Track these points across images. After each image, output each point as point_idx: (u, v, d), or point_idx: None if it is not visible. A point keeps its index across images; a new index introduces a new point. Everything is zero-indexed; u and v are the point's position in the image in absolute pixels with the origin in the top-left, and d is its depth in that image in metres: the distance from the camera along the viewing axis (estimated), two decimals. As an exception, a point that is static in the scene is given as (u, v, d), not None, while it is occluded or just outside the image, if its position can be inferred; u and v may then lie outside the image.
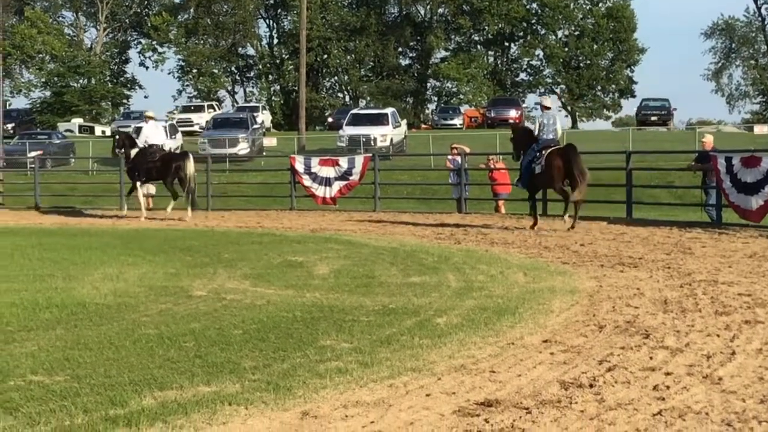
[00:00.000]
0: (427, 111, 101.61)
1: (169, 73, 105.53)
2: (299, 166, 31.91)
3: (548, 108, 23.97)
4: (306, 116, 61.13)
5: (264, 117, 74.57)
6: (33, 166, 40.36)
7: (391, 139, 51.66)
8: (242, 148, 52.61)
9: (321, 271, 15.57)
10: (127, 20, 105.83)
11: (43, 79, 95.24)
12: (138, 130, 32.07)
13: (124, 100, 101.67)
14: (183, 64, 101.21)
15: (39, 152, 46.84)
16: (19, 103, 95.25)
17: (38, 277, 14.85)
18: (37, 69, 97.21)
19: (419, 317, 11.07)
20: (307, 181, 31.60)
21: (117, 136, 32.20)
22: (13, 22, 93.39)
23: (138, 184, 29.73)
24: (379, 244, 20.45)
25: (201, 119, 71.75)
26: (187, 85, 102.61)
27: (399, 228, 24.65)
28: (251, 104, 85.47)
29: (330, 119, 77.26)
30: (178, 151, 36.32)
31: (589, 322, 10.78)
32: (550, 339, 9.85)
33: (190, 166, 29.18)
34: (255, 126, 58.21)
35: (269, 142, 58.01)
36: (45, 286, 13.80)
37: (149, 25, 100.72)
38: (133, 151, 29.87)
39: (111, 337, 9.96)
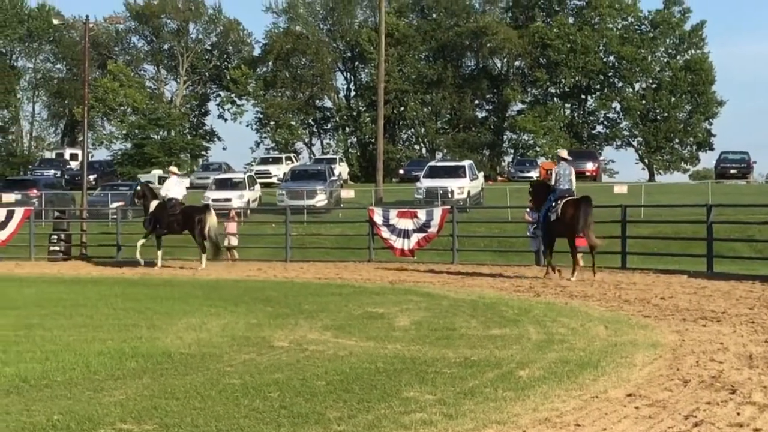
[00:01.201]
0: (503, 163, 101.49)
1: (247, 125, 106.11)
2: (378, 218, 32.06)
3: (565, 159, 25.39)
4: (383, 168, 61.33)
5: (341, 169, 74.89)
6: (115, 216, 40.92)
7: (469, 192, 51.66)
8: (320, 199, 52.89)
9: (402, 323, 15.62)
10: (206, 73, 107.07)
11: (124, 131, 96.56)
12: (162, 180, 33.19)
13: (203, 152, 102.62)
14: (261, 116, 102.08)
15: (120, 203, 47.40)
16: (101, 154, 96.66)
17: (123, 327, 15.07)
18: (118, 121, 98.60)
19: (501, 369, 11.07)
20: (385, 233, 31.73)
21: (138, 188, 34.01)
22: (96, 75, 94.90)
23: (150, 234, 31.51)
24: (459, 296, 20.46)
25: (279, 171, 72.20)
26: (265, 137, 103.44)
27: (477, 280, 24.64)
28: (328, 156, 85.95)
29: (401, 171, 77.42)
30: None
31: (673, 376, 10.70)
32: (634, 393, 9.79)
33: (212, 219, 30.67)
34: (332, 178, 58.53)
35: (347, 193, 58.24)
36: (130, 336, 14.01)
37: (228, 78, 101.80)
38: (153, 203, 31.47)
39: (197, 387, 10.08)
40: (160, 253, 31.85)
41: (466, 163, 57.37)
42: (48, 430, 8.17)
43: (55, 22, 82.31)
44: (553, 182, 24.82)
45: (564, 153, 26.31)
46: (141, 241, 32.03)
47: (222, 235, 34.36)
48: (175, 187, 32.21)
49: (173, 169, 34.62)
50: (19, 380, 10.54)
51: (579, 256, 24.72)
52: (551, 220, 24.39)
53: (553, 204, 24.39)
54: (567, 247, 24.63)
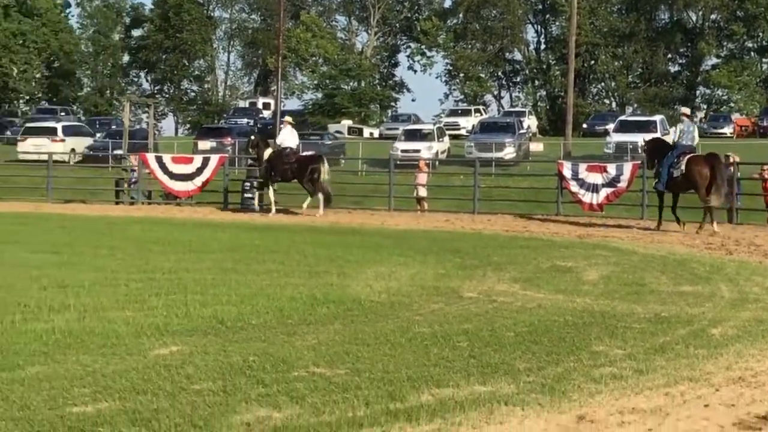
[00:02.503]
0: (695, 119, 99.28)
1: (436, 77, 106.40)
2: (566, 172, 31.78)
3: (688, 116, 27.38)
4: (572, 122, 60.60)
5: (530, 122, 74.30)
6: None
7: (660, 147, 50.69)
8: (509, 152, 52.60)
9: (590, 277, 15.51)
10: (397, 24, 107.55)
11: (315, 81, 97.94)
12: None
13: (392, 103, 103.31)
14: (450, 68, 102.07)
15: (312, 153, 48.07)
16: (293, 104, 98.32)
17: (314, 274, 15.34)
18: (310, 71, 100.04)
19: (693, 326, 10.90)
20: (574, 186, 31.43)
21: (252, 138, 35.40)
22: (289, 25, 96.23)
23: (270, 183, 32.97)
24: (648, 251, 20.20)
25: (467, 123, 72.14)
26: (454, 89, 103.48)
27: (667, 236, 24.24)
28: (517, 109, 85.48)
29: (584, 125, 76.32)
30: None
31: None
32: (833, 355, 9.54)
33: (325, 169, 32.11)
34: (521, 131, 58.12)
35: (535, 147, 57.87)
36: (321, 282, 14.25)
37: (419, 29, 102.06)
38: (267, 152, 32.93)
39: (387, 334, 10.21)
40: (272, 198, 33.10)
41: (658, 118, 56.33)
42: (244, 371, 8.39)
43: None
44: (677, 138, 25.97)
45: (687, 110, 28.41)
46: (260, 191, 34.15)
47: (414, 186, 35.01)
48: (290, 137, 33.52)
49: (288, 119, 35.70)
50: (216, 321, 10.85)
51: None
52: (674, 176, 25.37)
53: (676, 160, 25.39)
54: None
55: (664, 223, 26.13)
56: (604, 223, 28.44)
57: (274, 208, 32.77)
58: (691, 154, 25.47)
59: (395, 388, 7.87)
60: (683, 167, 25.08)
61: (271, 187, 33.05)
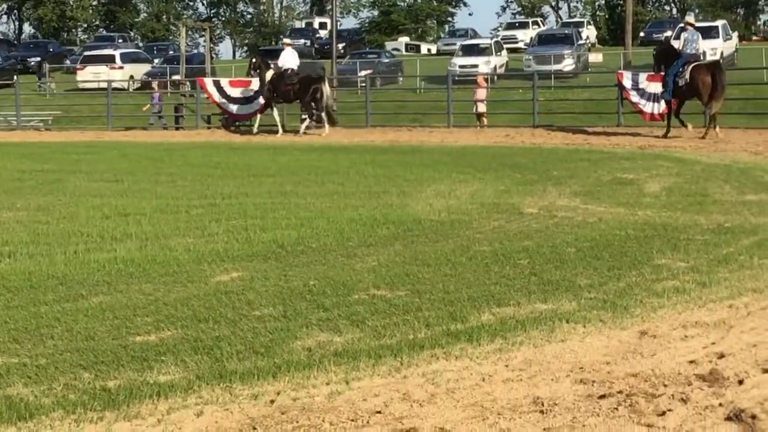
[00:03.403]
0: (758, 22, 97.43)
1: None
2: (627, 82, 31.41)
3: (692, 25, 27.72)
4: (632, 31, 59.75)
5: (589, 32, 73.22)
6: (363, 85, 41.41)
7: (722, 53, 49.90)
8: (567, 64, 51.95)
9: (652, 189, 15.37)
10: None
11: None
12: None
13: (449, 18, 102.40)
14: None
15: (369, 71, 47.84)
16: (349, 23, 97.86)
17: (374, 194, 15.33)
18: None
19: (757, 237, 10.78)
20: (634, 97, 31.08)
21: (253, 60, 36.11)
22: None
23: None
24: (711, 161, 19.97)
25: (525, 36, 71.27)
26: (511, 2, 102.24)
27: (731, 144, 23.94)
28: (575, 20, 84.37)
29: (642, 33, 75.13)
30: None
31: None
32: None
33: (327, 89, 32.91)
34: (580, 42, 57.35)
35: (594, 58, 57.09)
36: (381, 203, 14.24)
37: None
38: (269, 74, 33.66)
39: (447, 254, 10.18)
40: (278, 119, 34.06)
41: (719, 23, 55.33)
42: (305, 295, 8.41)
43: None
44: (681, 47, 26.73)
45: (691, 19, 28.90)
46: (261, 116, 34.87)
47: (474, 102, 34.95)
48: (291, 58, 34.36)
49: (287, 41, 37.71)
50: (276, 246, 10.87)
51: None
52: (679, 85, 26.27)
53: (681, 69, 26.22)
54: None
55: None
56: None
57: (281, 130, 33.66)
58: (695, 63, 26.32)
59: (456, 308, 7.86)
60: (687, 76, 25.95)
61: (274, 109, 33.93)
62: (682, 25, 30.75)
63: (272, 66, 34.26)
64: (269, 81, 33.55)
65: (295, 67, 34.21)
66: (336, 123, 33.97)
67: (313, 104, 32.71)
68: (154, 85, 41.66)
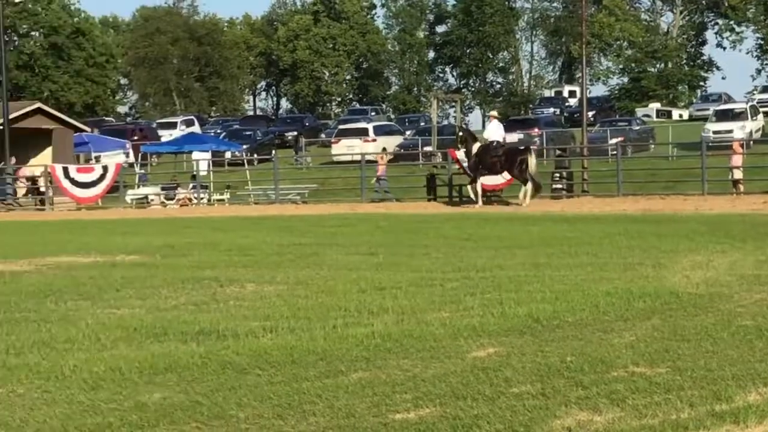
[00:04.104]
0: None
1: (747, 53, 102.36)
2: None
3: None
4: None
5: None
6: (614, 152, 41.06)
7: None
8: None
9: None
10: (703, 2, 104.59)
11: (620, 66, 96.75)
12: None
13: (701, 83, 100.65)
14: (762, 42, 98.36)
15: (620, 139, 47.46)
16: (598, 90, 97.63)
17: (628, 266, 15.09)
18: (615, 56, 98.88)
19: None
20: None
21: (461, 133, 36.63)
22: (592, 11, 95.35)
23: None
24: None
25: (782, 99, 69.41)
26: (767, 64, 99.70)
27: None
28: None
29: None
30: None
31: None
32: None
33: (533, 160, 33.51)
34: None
35: None
36: (636, 275, 14.00)
37: (726, 4, 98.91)
38: (475, 146, 34.09)
39: (707, 329, 9.90)
40: (479, 190, 34.27)
41: None
42: (562, 372, 8.31)
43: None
44: None
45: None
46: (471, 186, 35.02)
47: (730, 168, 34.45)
48: (496, 130, 35.28)
49: (494, 113, 38.38)
50: (532, 320, 10.79)
51: None
52: None
53: None
54: None
55: None
56: None
57: (480, 201, 34.02)
58: None
59: (720, 387, 7.61)
60: None
61: (478, 180, 34.16)
62: None
63: (479, 138, 35.26)
64: (475, 153, 34.14)
65: (501, 139, 35.29)
66: (539, 191, 34.44)
67: (519, 175, 33.35)
68: (378, 158, 42.69)
